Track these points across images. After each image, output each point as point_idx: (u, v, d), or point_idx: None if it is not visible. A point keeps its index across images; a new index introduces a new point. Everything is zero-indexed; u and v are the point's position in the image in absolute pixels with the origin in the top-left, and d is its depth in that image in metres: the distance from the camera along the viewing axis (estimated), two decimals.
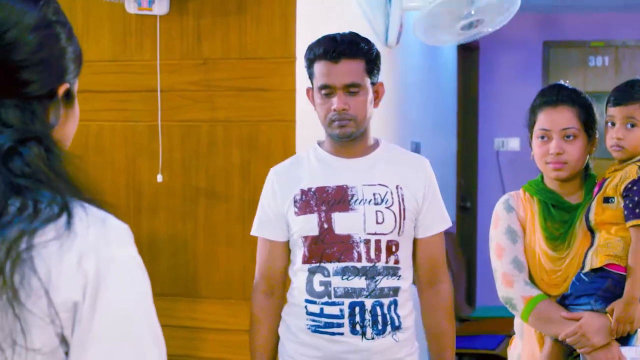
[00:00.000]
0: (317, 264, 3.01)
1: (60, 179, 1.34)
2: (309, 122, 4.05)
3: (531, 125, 3.10)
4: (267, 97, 3.98)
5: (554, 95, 3.05)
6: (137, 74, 4.12)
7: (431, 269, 3.16)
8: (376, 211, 3.00)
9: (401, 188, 3.05)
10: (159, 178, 4.07)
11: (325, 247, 2.99)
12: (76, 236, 1.30)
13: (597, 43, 8.58)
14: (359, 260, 2.97)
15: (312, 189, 3.04)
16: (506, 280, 3.05)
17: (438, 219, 3.14)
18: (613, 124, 2.99)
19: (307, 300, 3.03)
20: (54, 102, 1.41)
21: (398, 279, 3.02)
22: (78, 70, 1.48)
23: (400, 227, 3.02)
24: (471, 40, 5.09)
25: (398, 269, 3.02)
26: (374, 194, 3.02)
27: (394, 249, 3.02)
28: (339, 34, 3.05)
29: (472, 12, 4.83)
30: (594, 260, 2.90)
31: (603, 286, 2.89)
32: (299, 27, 3.95)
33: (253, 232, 3.19)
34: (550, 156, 3.01)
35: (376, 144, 3.15)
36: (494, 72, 8.64)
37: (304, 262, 3.03)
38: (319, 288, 3.01)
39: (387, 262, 3.00)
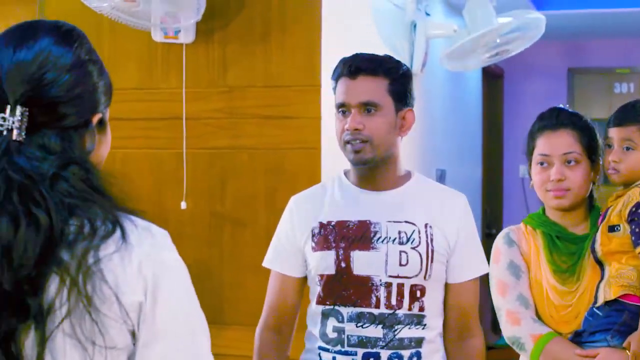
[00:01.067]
0: (331, 307, 2.70)
1: (103, 196, 1.56)
2: (334, 149, 4.05)
3: (530, 151, 2.93)
4: (292, 124, 3.99)
5: (554, 118, 2.87)
6: (162, 101, 4.15)
7: (461, 319, 2.79)
8: (400, 251, 2.66)
9: (430, 227, 2.70)
10: (183, 205, 4.08)
11: (341, 289, 2.68)
12: (133, 247, 1.53)
13: (622, 70, 8.56)
14: (377, 306, 2.65)
15: (332, 223, 2.73)
16: (512, 318, 2.82)
17: (472, 263, 2.78)
18: (611, 146, 2.85)
19: (320, 347, 2.73)
20: (89, 130, 1.61)
21: (423, 329, 2.68)
22: (109, 101, 1.67)
23: (427, 271, 2.67)
24: (494, 63, 5.09)
25: (423, 317, 2.68)
26: (399, 232, 2.68)
27: (419, 295, 2.68)
28: (366, 52, 2.80)
29: (497, 41, 4.84)
30: (607, 293, 2.70)
31: (619, 320, 2.68)
32: (323, 54, 3.96)
33: (266, 264, 2.91)
34: (551, 183, 2.81)
35: (407, 176, 2.80)
36: (518, 99, 8.63)
37: (318, 302, 2.73)
38: (332, 334, 2.70)
39: (410, 309, 2.67)
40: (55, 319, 1.47)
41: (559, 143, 2.84)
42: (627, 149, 2.81)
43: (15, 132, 1.52)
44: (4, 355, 1.47)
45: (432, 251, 2.68)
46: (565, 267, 2.82)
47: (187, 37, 4.04)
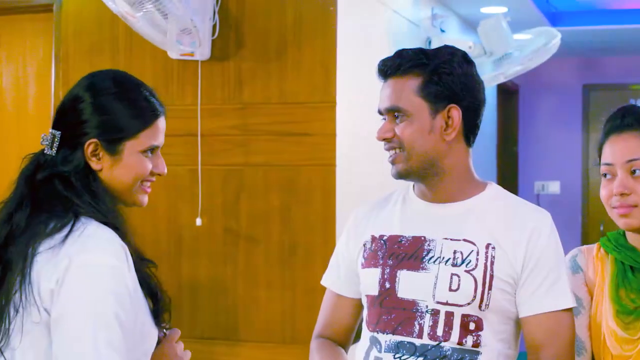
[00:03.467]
0: (373, 333, 2.32)
1: (74, 201, 2.01)
2: (349, 166, 4.06)
3: (600, 161, 2.36)
4: (307, 141, 4.00)
5: (618, 119, 2.30)
6: (178, 118, 4.16)
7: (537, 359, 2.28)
8: (452, 274, 2.24)
9: (493, 248, 2.25)
10: (198, 222, 4.09)
11: (382, 313, 2.30)
12: (64, 245, 1.95)
13: (637, 86, 8.55)
14: (419, 335, 2.24)
15: (385, 237, 2.36)
16: None
17: (547, 294, 2.25)
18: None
19: None
20: (82, 152, 2.07)
21: None
22: (113, 134, 2.09)
23: (482, 299, 2.23)
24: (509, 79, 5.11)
25: (477, 353, 2.23)
26: (455, 252, 2.26)
27: (472, 327, 2.23)
28: (409, 48, 2.40)
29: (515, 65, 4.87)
30: None
31: None
32: (339, 71, 3.97)
33: (322, 282, 2.55)
34: (615, 198, 2.26)
35: (480, 187, 2.41)
36: (533, 115, 8.63)
37: (366, 326, 2.37)
38: None
39: (460, 342, 2.22)
40: (11, 287, 1.98)
41: (623, 148, 2.27)
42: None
43: (46, 149, 2.09)
44: None
45: (492, 277, 2.24)
46: (632, 307, 2.26)
47: (202, 54, 4.05)
